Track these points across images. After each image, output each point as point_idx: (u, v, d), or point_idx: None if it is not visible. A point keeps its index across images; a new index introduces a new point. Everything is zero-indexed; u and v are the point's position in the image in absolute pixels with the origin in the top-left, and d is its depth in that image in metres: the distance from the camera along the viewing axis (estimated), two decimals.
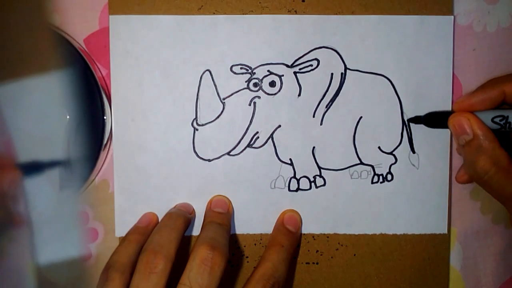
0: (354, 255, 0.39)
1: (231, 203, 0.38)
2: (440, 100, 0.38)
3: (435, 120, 0.37)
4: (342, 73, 0.38)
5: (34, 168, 0.35)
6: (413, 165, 0.39)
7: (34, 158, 0.35)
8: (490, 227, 0.40)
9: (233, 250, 0.39)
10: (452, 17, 0.38)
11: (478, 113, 0.35)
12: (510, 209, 0.34)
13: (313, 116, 0.38)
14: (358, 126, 0.38)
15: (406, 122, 0.38)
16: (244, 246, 0.39)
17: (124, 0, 0.37)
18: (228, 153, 0.38)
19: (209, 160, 0.38)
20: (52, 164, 0.35)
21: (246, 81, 0.38)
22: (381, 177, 0.39)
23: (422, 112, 0.38)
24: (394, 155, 0.39)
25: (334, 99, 0.38)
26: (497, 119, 0.34)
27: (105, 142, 0.37)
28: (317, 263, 0.39)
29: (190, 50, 0.37)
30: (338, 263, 0.39)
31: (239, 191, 0.38)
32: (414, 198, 0.39)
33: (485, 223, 0.40)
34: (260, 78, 0.38)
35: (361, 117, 0.38)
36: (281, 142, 0.38)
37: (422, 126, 0.38)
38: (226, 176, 0.38)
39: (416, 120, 0.38)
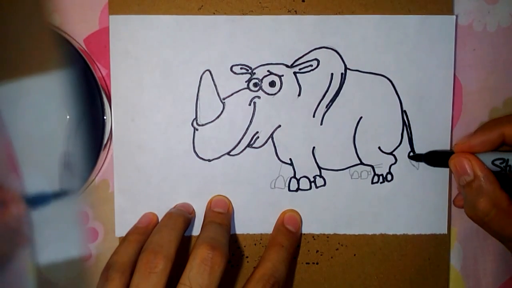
0: (354, 255, 0.39)
1: (231, 203, 0.38)
2: (440, 100, 0.38)
3: (436, 159, 0.37)
4: (342, 73, 0.38)
5: (40, 199, 0.36)
6: (413, 165, 0.39)
7: (34, 161, 0.35)
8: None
9: (233, 250, 0.39)
10: (454, 16, 0.38)
11: (479, 155, 0.35)
12: (511, 249, 0.35)
13: (313, 116, 0.38)
14: (358, 126, 0.38)
15: (406, 120, 0.38)
16: (244, 246, 0.39)
17: (124, 0, 0.37)
18: (228, 153, 0.38)
19: (209, 160, 0.38)
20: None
21: (246, 81, 0.38)
22: (381, 177, 0.39)
23: (422, 113, 0.38)
24: (394, 155, 0.39)
25: (334, 99, 0.38)
26: (497, 162, 0.34)
27: (105, 142, 0.37)
28: (317, 263, 0.39)
29: (190, 50, 0.37)
30: (338, 263, 0.39)
31: (239, 191, 0.38)
32: (414, 198, 0.39)
33: None
34: (260, 78, 0.38)
35: (361, 117, 0.38)
36: (281, 142, 0.38)
37: (422, 126, 0.38)
38: (226, 176, 0.38)
39: (417, 158, 0.38)
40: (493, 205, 0.33)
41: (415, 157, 0.38)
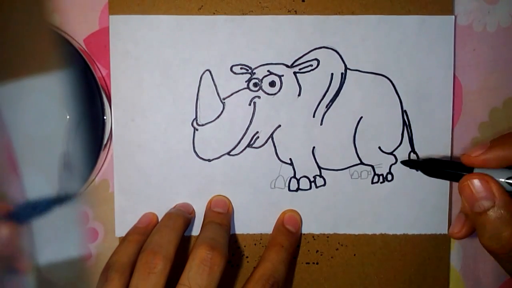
0: (354, 255, 0.39)
1: (231, 203, 0.38)
2: (440, 100, 0.38)
3: (437, 170, 0.33)
4: (342, 73, 0.38)
5: (41, 204, 0.35)
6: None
7: (34, 161, 0.35)
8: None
9: (233, 250, 0.39)
10: (453, 17, 0.38)
11: (489, 171, 0.30)
12: None
13: (313, 116, 0.38)
14: (358, 126, 0.38)
15: (406, 120, 0.38)
16: (244, 246, 0.39)
17: (124, 0, 0.37)
18: (228, 153, 0.38)
19: (209, 160, 0.38)
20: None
21: (246, 81, 0.38)
22: (381, 177, 0.39)
23: (422, 113, 0.38)
24: (394, 155, 0.39)
25: (334, 99, 0.38)
26: (511, 180, 0.30)
27: (105, 142, 0.37)
28: (317, 263, 0.39)
29: (190, 50, 0.37)
30: (338, 263, 0.39)
31: (239, 191, 0.38)
32: (414, 198, 0.39)
33: None
34: (260, 78, 0.38)
35: (361, 117, 0.38)
36: (281, 142, 0.38)
37: (422, 126, 0.38)
38: (226, 176, 0.38)
39: (412, 165, 0.35)
40: None
41: (410, 163, 0.35)
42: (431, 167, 0.34)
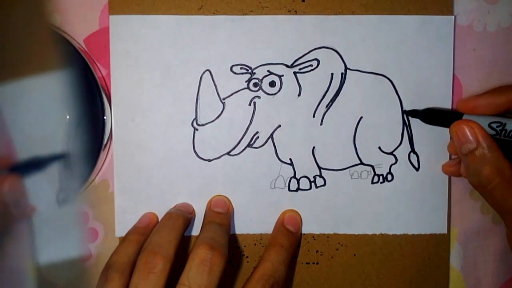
0: (354, 255, 0.39)
1: (231, 203, 0.38)
2: (440, 100, 0.38)
3: (433, 117, 0.37)
4: (342, 73, 0.38)
5: (34, 165, 0.35)
6: (413, 165, 0.39)
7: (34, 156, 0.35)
8: (490, 227, 0.40)
9: (233, 250, 0.39)
10: (453, 17, 0.38)
11: (476, 117, 0.34)
12: (509, 223, 0.34)
13: (313, 116, 0.38)
14: (358, 126, 0.38)
15: (406, 120, 0.38)
16: (244, 246, 0.39)
17: (124, 0, 0.37)
18: (228, 153, 0.38)
19: (209, 160, 0.38)
20: (52, 163, 0.35)
21: (246, 81, 0.38)
22: (381, 177, 0.39)
23: None
24: (394, 155, 0.39)
25: (334, 99, 0.38)
26: (494, 125, 0.34)
27: (105, 142, 0.37)
28: (317, 263, 0.39)
29: (190, 50, 0.37)
30: (338, 263, 0.39)
31: (239, 191, 0.38)
32: (414, 198, 0.39)
33: (485, 223, 0.40)
34: (260, 78, 0.38)
35: (361, 117, 0.38)
36: (281, 142, 0.38)
37: (422, 126, 0.38)
38: (226, 176, 0.38)
39: (413, 113, 0.38)
40: (497, 173, 0.33)
41: (411, 112, 0.38)
42: (428, 115, 0.37)
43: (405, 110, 0.38)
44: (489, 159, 0.33)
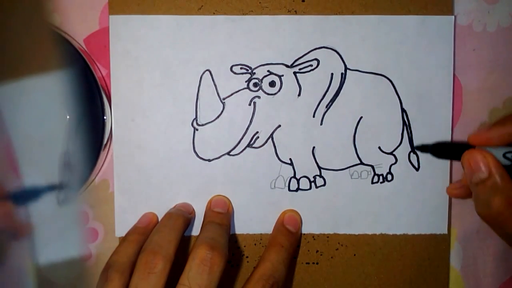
0: (354, 255, 0.39)
1: (231, 203, 0.38)
2: (440, 100, 0.38)
3: (444, 151, 0.35)
4: (342, 73, 0.38)
5: (32, 192, 0.35)
6: (413, 165, 0.39)
7: (34, 161, 0.35)
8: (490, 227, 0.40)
9: (233, 250, 0.39)
10: (453, 17, 0.38)
11: (490, 148, 0.33)
12: None
13: (313, 116, 0.38)
14: (358, 126, 0.38)
15: (406, 120, 0.38)
16: (244, 246, 0.39)
17: (124, 0, 0.37)
18: (228, 153, 0.38)
19: (209, 160, 0.38)
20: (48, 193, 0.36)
21: (246, 81, 0.38)
22: (381, 177, 0.39)
23: (422, 113, 0.38)
24: (394, 155, 0.39)
25: (334, 99, 0.38)
26: (509, 155, 0.33)
27: (105, 142, 0.37)
28: (317, 263, 0.39)
29: (190, 50, 0.37)
30: (338, 263, 0.39)
31: (239, 191, 0.38)
32: (414, 198, 0.39)
33: (485, 223, 0.40)
34: (260, 78, 0.38)
35: (361, 117, 0.38)
36: (281, 142, 0.38)
37: (422, 126, 0.38)
38: (226, 176, 0.38)
39: (423, 148, 0.36)
40: (508, 204, 0.31)
41: (421, 147, 0.37)
42: (440, 149, 0.36)
43: (415, 146, 0.38)
44: (501, 189, 0.32)
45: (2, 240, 0.35)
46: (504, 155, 0.33)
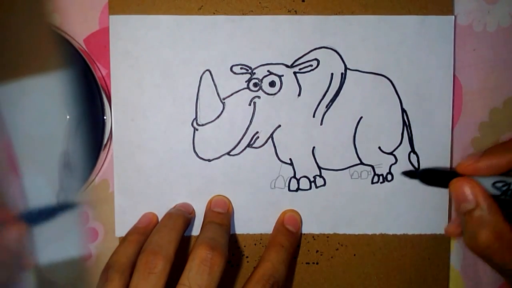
0: (354, 255, 0.39)
1: (231, 203, 0.38)
2: (440, 100, 0.38)
3: (433, 178, 0.35)
4: (342, 73, 0.38)
5: (42, 214, 0.35)
6: (413, 165, 0.39)
7: (34, 161, 0.35)
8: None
9: (233, 250, 0.39)
10: (453, 17, 0.38)
11: (479, 177, 0.32)
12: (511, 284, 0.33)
13: (313, 116, 0.38)
14: (358, 126, 0.38)
15: (406, 120, 0.38)
16: (244, 246, 0.39)
17: (124, 0, 0.37)
18: (228, 153, 0.38)
19: (209, 160, 0.38)
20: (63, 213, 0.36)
21: (246, 81, 0.38)
22: (381, 177, 0.39)
23: (422, 113, 0.38)
24: (394, 155, 0.39)
25: (334, 99, 0.38)
26: (498, 184, 0.32)
27: (105, 142, 0.37)
28: (317, 263, 0.40)
29: (190, 50, 0.37)
30: (338, 263, 0.39)
31: (239, 191, 0.38)
32: (414, 198, 0.39)
33: None
34: (260, 78, 0.38)
35: (361, 117, 0.38)
36: (281, 142, 0.38)
37: (422, 126, 0.38)
38: (226, 176, 0.38)
39: (412, 175, 0.37)
40: (496, 238, 0.31)
41: (409, 173, 0.37)
42: (428, 175, 0.35)
43: (402, 172, 0.37)
44: (488, 222, 0.31)
45: (11, 266, 0.35)
46: (493, 185, 0.32)
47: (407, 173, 0.37)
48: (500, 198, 0.32)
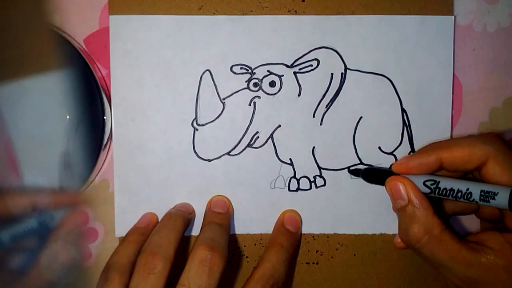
0: (354, 255, 0.39)
1: (231, 203, 0.38)
2: (440, 100, 0.38)
3: (373, 177, 0.37)
4: (342, 73, 0.38)
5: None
6: None
7: (34, 161, 0.35)
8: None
9: (233, 250, 0.39)
10: (453, 17, 0.38)
11: (412, 176, 0.35)
12: (442, 275, 0.34)
13: (313, 116, 0.38)
14: (358, 126, 0.38)
15: (406, 120, 0.38)
16: (244, 246, 0.39)
17: (124, 0, 0.37)
18: (228, 153, 0.38)
19: (209, 160, 0.38)
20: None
21: (246, 81, 0.38)
22: None
23: (422, 113, 0.38)
24: (394, 155, 0.39)
25: (334, 99, 0.38)
26: (428, 183, 0.34)
27: (105, 142, 0.37)
28: (317, 263, 0.39)
29: (190, 50, 0.37)
30: (338, 263, 0.39)
31: (239, 191, 0.38)
32: None
33: (484, 223, 0.40)
34: (260, 78, 0.38)
35: (361, 117, 0.38)
36: (281, 142, 0.38)
37: (422, 126, 0.38)
38: (226, 176, 0.38)
39: (355, 173, 0.38)
40: (425, 232, 0.33)
41: (353, 171, 0.38)
42: (369, 175, 0.37)
43: (348, 169, 0.38)
44: (418, 217, 0.33)
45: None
46: (424, 183, 0.34)
47: (352, 171, 0.38)
48: (431, 196, 0.34)
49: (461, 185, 0.33)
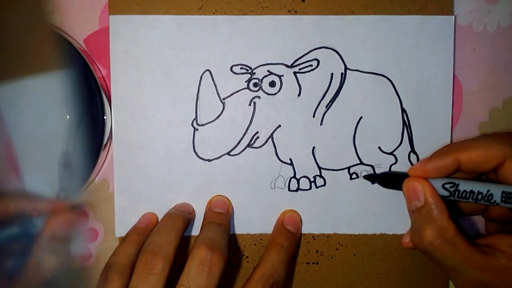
0: (354, 255, 0.39)
1: (230, 203, 0.38)
2: (440, 100, 0.38)
3: (390, 181, 0.37)
4: (342, 73, 0.38)
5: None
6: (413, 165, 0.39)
7: (34, 161, 0.35)
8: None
9: (233, 250, 0.39)
10: (453, 17, 0.38)
11: (430, 179, 0.34)
12: (453, 279, 0.34)
13: (313, 116, 0.38)
14: (358, 126, 0.38)
15: (406, 120, 0.38)
16: (244, 246, 0.39)
17: (124, 0, 0.37)
18: (228, 153, 0.38)
19: (209, 160, 0.38)
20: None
21: (246, 81, 0.38)
22: None
23: (422, 113, 0.38)
24: (394, 155, 0.39)
25: (334, 99, 0.38)
26: (447, 186, 0.34)
27: (105, 142, 0.37)
28: (317, 263, 0.39)
29: (190, 50, 0.37)
30: (338, 263, 0.39)
31: (239, 191, 0.38)
32: None
33: (484, 223, 0.40)
34: (260, 78, 0.38)
35: (361, 117, 0.38)
36: (281, 142, 0.38)
37: (422, 126, 0.38)
38: (226, 176, 0.38)
39: (371, 178, 0.38)
40: (438, 235, 0.33)
41: (369, 177, 0.38)
42: (386, 180, 0.37)
43: (364, 176, 0.38)
44: (433, 219, 0.33)
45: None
46: (443, 186, 0.34)
47: (367, 177, 0.38)
48: (450, 199, 0.34)
49: (481, 187, 0.33)
